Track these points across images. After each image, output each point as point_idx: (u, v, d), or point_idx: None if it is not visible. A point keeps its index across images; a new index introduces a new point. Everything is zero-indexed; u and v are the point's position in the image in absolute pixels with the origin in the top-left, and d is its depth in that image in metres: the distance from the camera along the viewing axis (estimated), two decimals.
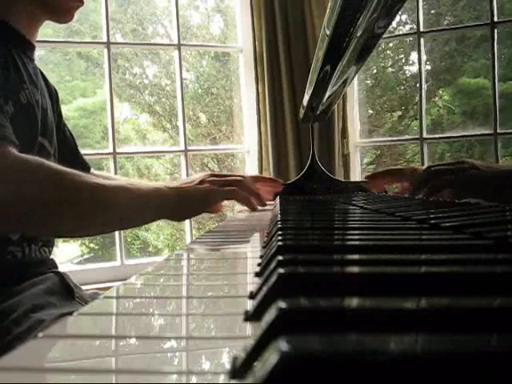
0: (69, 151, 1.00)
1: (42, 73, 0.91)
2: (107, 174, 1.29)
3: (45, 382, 0.17)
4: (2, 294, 0.72)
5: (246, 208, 1.05)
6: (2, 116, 0.67)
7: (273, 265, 0.27)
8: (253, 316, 0.23)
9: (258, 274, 0.33)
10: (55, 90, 0.97)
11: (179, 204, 0.79)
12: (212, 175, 0.88)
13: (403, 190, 1.09)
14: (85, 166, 1.03)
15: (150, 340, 0.21)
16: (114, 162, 2.09)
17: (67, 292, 0.82)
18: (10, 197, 0.61)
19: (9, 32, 0.80)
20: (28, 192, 0.62)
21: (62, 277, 0.84)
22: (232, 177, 0.90)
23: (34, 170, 0.64)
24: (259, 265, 0.36)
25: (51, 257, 0.88)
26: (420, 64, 2.22)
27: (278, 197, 1.16)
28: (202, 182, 0.85)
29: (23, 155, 0.65)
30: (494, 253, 0.31)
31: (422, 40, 2.21)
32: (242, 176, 0.93)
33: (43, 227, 0.68)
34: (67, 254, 3.71)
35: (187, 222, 2.24)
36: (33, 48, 0.86)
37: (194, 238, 0.73)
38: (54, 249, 0.91)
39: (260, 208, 0.99)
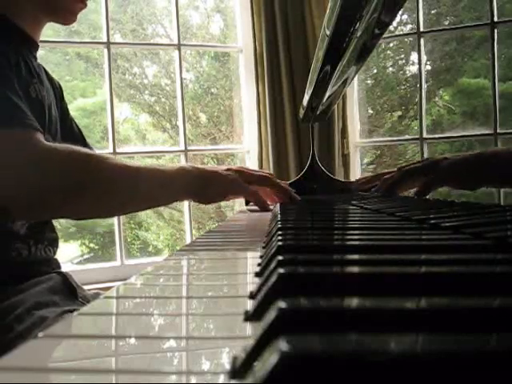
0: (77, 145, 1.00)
1: (45, 70, 0.92)
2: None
3: (45, 382, 0.17)
4: (5, 291, 0.72)
5: (247, 208, 1.05)
6: (25, 106, 0.69)
7: (273, 265, 0.27)
8: (253, 316, 0.23)
9: (258, 274, 0.33)
10: (59, 86, 0.97)
11: (203, 185, 0.79)
12: (241, 167, 0.90)
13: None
14: None
15: (149, 340, 0.21)
16: None
17: (70, 292, 0.82)
18: (44, 183, 0.65)
19: (16, 31, 0.81)
20: (60, 177, 0.65)
21: (64, 277, 0.85)
22: (259, 173, 0.91)
23: (61, 157, 0.66)
24: (259, 265, 0.36)
25: (55, 257, 0.89)
26: (420, 64, 2.22)
27: None
28: (228, 170, 0.86)
29: (51, 143, 0.68)
30: (494, 253, 0.31)
31: (422, 40, 2.21)
32: (270, 173, 0.95)
33: (72, 208, 0.70)
34: (67, 254, 3.71)
35: (187, 222, 2.24)
36: (37, 47, 0.87)
37: (194, 238, 0.74)
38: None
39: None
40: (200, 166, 0.82)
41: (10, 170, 0.64)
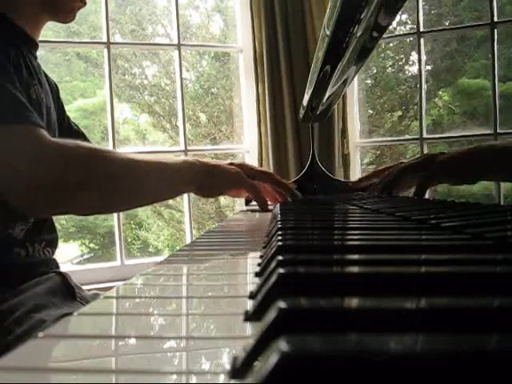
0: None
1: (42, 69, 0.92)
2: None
3: (45, 382, 0.17)
4: (5, 293, 0.72)
5: (247, 208, 1.05)
6: (28, 104, 0.70)
7: (273, 265, 0.27)
8: (253, 316, 0.23)
9: (257, 274, 0.33)
10: (56, 85, 0.97)
11: (205, 177, 0.81)
12: (242, 163, 0.91)
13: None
14: None
15: (149, 340, 0.21)
16: None
17: (69, 292, 0.82)
18: (49, 179, 0.65)
19: (16, 30, 0.81)
20: (65, 173, 0.66)
21: (63, 277, 0.84)
22: (261, 168, 0.96)
23: (69, 152, 0.67)
24: (259, 265, 0.36)
25: (53, 257, 0.88)
26: (420, 64, 2.22)
27: None
28: (231, 164, 0.87)
29: (58, 139, 0.69)
30: (494, 253, 0.31)
31: (422, 40, 2.21)
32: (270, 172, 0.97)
33: (76, 204, 0.71)
34: (67, 254, 3.71)
35: (187, 222, 2.24)
36: (36, 46, 0.87)
37: (193, 238, 0.74)
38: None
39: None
40: (202, 159, 0.83)
41: (17, 165, 0.65)
